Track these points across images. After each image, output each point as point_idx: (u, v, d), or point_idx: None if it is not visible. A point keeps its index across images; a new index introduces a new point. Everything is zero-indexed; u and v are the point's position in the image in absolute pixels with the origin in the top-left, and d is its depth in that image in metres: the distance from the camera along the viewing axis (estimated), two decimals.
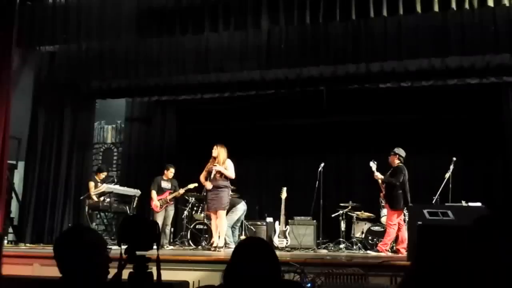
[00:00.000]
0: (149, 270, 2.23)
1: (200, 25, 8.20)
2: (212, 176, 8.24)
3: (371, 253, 8.45)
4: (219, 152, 8.33)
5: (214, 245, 8.09)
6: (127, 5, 8.48)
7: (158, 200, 9.49)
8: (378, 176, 8.43)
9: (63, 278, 2.12)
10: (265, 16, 7.90)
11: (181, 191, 9.62)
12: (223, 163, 8.27)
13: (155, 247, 2.35)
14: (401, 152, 8.36)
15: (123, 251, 2.18)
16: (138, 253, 2.22)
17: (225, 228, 8.27)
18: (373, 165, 8.54)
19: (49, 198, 9.84)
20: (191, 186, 9.56)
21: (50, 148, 10.07)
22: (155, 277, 2.31)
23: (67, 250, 2.15)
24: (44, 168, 9.96)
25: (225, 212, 8.27)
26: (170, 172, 9.73)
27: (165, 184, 9.66)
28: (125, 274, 2.30)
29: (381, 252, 8.09)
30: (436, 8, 7.21)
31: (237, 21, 8.03)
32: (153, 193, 9.49)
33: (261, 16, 7.90)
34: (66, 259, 2.14)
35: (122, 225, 2.24)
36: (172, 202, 9.67)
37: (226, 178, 8.28)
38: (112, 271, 2.26)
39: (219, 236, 8.09)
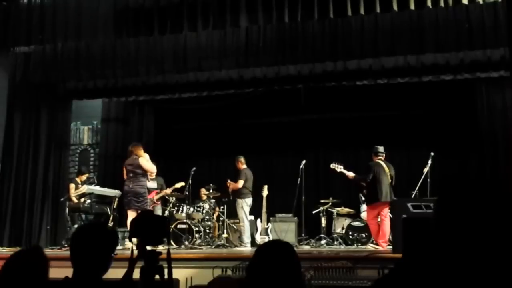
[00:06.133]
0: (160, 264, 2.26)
1: (178, 25, 8.20)
2: None
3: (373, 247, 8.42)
4: None
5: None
6: (104, 4, 8.43)
7: None
8: (350, 175, 8.59)
9: (76, 273, 2.13)
10: (244, 15, 7.96)
11: (168, 191, 9.62)
12: None
13: (161, 246, 2.37)
14: (375, 149, 8.47)
15: (134, 246, 2.21)
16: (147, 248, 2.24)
17: None
18: (336, 166, 8.70)
19: (27, 201, 9.69)
20: (178, 185, 9.56)
21: (27, 150, 9.91)
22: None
23: (96, 239, 2.17)
24: (21, 171, 9.79)
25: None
26: None
27: (151, 184, 9.62)
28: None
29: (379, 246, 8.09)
30: (412, 6, 7.37)
31: (216, 20, 8.06)
32: None
33: (239, 15, 7.95)
34: (90, 247, 2.16)
35: (135, 220, 2.27)
36: (159, 203, 9.62)
37: None
38: (120, 271, 2.28)
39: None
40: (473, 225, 1.70)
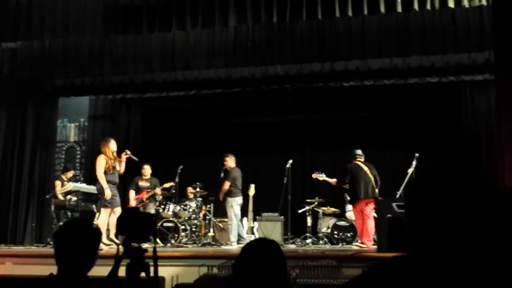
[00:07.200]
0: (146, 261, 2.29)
1: (167, 23, 8.21)
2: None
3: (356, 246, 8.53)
4: None
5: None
6: (92, 1, 8.41)
7: (135, 199, 9.47)
8: (333, 181, 8.77)
9: (61, 268, 2.15)
10: (233, 15, 8.00)
11: (158, 190, 9.61)
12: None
13: (147, 244, 2.39)
14: (353, 152, 8.58)
15: (120, 244, 2.24)
16: (133, 245, 2.27)
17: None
18: (318, 176, 8.81)
19: (12, 197, 9.63)
20: (167, 185, 9.59)
21: (13, 147, 9.86)
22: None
23: (79, 237, 2.19)
24: (7, 167, 9.75)
25: (105, 209, 7.70)
26: (145, 170, 9.67)
27: (143, 184, 9.63)
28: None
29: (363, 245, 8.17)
30: (399, 9, 7.46)
31: (205, 19, 8.08)
32: (131, 193, 9.48)
33: (228, 14, 7.98)
34: (73, 246, 2.18)
35: (120, 217, 2.29)
36: (148, 201, 9.62)
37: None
38: (106, 268, 2.30)
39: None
40: (442, 222, 1.72)
